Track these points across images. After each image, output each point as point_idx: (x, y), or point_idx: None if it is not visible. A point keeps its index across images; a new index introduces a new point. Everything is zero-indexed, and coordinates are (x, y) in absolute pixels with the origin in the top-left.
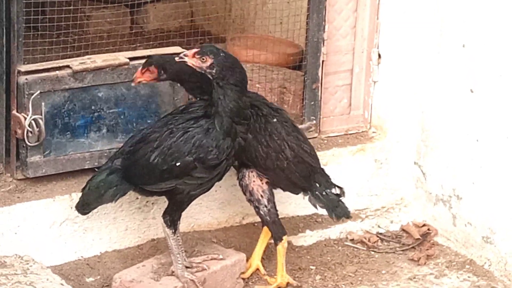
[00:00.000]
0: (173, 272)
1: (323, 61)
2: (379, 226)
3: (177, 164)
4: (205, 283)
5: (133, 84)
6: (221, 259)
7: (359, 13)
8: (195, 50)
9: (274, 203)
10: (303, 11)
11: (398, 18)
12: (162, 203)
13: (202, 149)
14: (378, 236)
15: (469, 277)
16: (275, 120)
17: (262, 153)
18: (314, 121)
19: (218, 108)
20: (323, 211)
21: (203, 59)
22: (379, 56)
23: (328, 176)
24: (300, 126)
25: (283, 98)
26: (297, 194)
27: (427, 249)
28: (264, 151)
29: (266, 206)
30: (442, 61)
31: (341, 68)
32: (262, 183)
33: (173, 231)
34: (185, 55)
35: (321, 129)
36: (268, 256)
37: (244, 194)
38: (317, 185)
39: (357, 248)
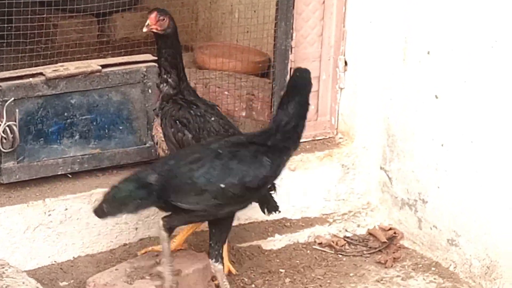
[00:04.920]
0: (158, 272)
1: (291, 68)
2: (346, 230)
3: (222, 185)
4: (178, 286)
5: (145, 30)
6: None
7: (326, 21)
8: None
9: None
10: (270, 20)
11: (364, 26)
12: None
13: (248, 174)
14: (345, 240)
15: (435, 279)
16: (213, 119)
17: None
18: None
19: (291, 149)
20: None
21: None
22: (346, 63)
23: None
24: None
25: (251, 105)
26: None
27: (394, 252)
28: None
29: None
30: (408, 68)
31: None
32: None
33: (169, 235)
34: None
35: None
36: (238, 259)
37: None
38: None
39: (325, 251)
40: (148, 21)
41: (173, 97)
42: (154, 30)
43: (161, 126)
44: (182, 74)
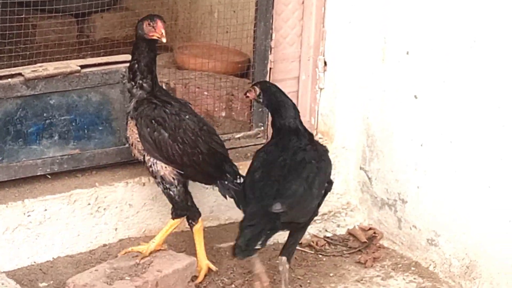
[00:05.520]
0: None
1: (270, 68)
2: (326, 230)
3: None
4: (158, 286)
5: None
6: None
7: (305, 22)
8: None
9: (185, 186)
10: (250, 20)
11: (343, 26)
12: (114, 208)
13: (328, 172)
14: (325, 240)
15: (414, 278)
16: (187, 117)
17: (178, 150)
18: (262, 128)
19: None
20: None
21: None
22: (325, 63)
23: (235, 166)
24: (248, 133)
25: (231, 105)
26: (209, 184)
27: (374, 252)
28: (180, 148)
29: (176, 187)
30: (387, 68)
31: (288, 76)
32: (173, 169)
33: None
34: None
35: (269, 136)
36: (218, 259)
37: (153, 177)
38: (227, 174)
39: (305, 251)
40: (163, 31)
41: (147, 98)
42: (164, 40)
43: (136, 126)
44: (155, 78)
